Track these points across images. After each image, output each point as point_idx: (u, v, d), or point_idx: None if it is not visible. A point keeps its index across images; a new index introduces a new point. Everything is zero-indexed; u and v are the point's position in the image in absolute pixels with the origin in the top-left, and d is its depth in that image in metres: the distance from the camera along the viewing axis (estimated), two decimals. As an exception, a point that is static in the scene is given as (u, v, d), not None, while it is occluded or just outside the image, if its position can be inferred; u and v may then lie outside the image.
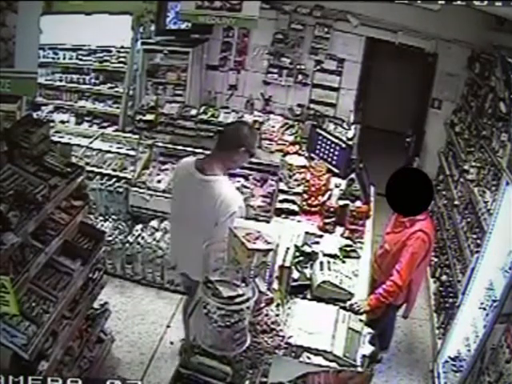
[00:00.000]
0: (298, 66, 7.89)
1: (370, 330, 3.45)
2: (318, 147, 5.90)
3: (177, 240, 3.97)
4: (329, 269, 3.85)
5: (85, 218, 4.02)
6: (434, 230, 4.24)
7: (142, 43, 7.38)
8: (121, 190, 5.56)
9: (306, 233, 4.47)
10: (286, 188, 5.35)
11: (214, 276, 2.91)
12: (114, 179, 5.62)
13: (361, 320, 3.48)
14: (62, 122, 7.10)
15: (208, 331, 2.78)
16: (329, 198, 5.06)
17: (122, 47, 7.27)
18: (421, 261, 4.01)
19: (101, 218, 5.57)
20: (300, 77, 7.92)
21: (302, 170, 5.56)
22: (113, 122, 7.34)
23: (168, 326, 5.03)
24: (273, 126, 6.45)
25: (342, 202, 4.90)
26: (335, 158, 5.73)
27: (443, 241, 6.04)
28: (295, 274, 3.83)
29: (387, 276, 3.99)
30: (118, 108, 7.33)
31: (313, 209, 5.05)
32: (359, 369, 3.08)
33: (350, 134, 6.02)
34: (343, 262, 4.09)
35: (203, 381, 2.85)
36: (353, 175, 5.30)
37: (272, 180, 5.55)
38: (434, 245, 6.23)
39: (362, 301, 3.72)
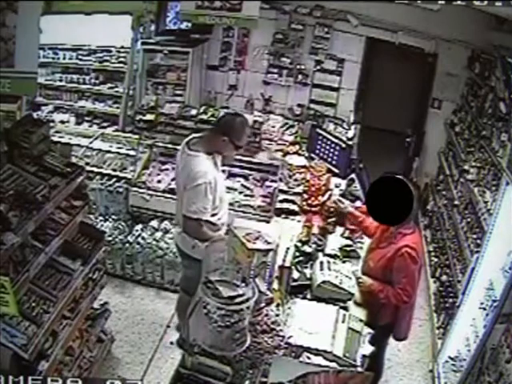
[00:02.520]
0: (298, 66, 7.89)
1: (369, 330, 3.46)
2: (318, 147, 5.90)
3: (176, 207, 4.26)
4: (329, 269, 3.85)
5: (85, 218, 4.02)
6: (421, 243, 4.04)
7: (142, 43, 7.38)
8: (121, 190, 5.55)
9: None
10: (286, 188, 5.36)
11: (214, 276, 2.91)
12: (114, 179, 5.61)
13: (361, 320, 3.48)
14: (62, 121, 7.10)
15: (208, 331, 2.78)
16: (329, 198, 5.06)
17: (122, 47, 7.26)
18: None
19: (101, 218, 5.57)
20: (300, 77, 7.92)
21: (302, 169, 5.56)
22: (113, 122, 7.34)
23: (168, 326, 5.02)
24: (273, 126, 6.46)
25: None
26: (335, 158, 5.74)
27: (443, 241, 6.04)
28: (295, 274, 3.83)
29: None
30: (117, 108, 7.33)
31: (313, 209, 5.05)
32: (359, 369, 3.09)
33: (350, 133, 6.03)
34: (343, 261, 4.09)
35: (203, 381, 2.86)
36: (353, 175, 5.30)
37: (272, 180, 5.55)
38: (434, 245, 6.27)
39: (366, 280, 3.74)
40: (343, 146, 5.68)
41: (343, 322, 3.36)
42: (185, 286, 4.37)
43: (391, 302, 3.67)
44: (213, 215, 3.96)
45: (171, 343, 4.78)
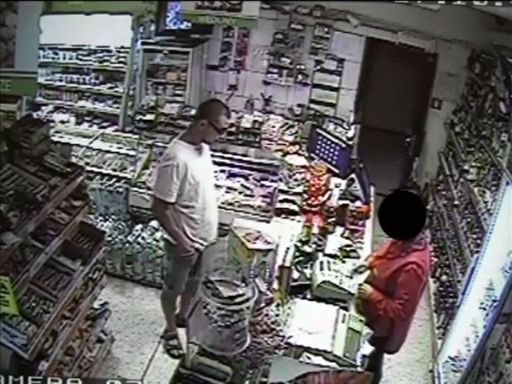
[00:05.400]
0: (298, 66, 7.89)
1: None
2: (318, 147, 5.90)
3: None
4: (329, 269, 3.85)
5: (85, 217, 4.02)
6: (430, 261, 3.94)
7: (142, 43, 7.38)
8: (121, 189, 5.55)
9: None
10: (286, 188, 5.36)
11: (213, 276, 2.91)
12: (114, 179, 5.61)
13: (361, 320, 3.48)
14: (62, 121, 7.08)
15: (208, 331, 2.78)
16: (329, 198, 5.06)
17: (122, 47, 7.26)
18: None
19: (101, 218, 5.57)
20: (300, 77, 7.92)
21: (302, 170, 5.56)
22: (113, 122, 7.33)
23: (168, 326, 5.03)
24: (273, 126, 6.46)
25: (341, 202, 4.91)
26: (335, 157, 5.73)
27: (443, 241, 6.04)
28: (295, 274, 3.83)
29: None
30: (117, 108, 7.32)
31: (313, 209, 5.05)
32: (359, 369, 3.08)
33: (350, 133, 6.03)
34: (343, 261, 4.09)
35: (203, 381, 2.86)
36: (353, 175, 5.30)
37: (272, 180, 5.55)
38: (434, 245, 6.27)
39: (367, 288, 3.70)
40: (343, 145, 5.68)
41: (343, 321, 3.36)
42: (165, 279, 4.62)
43: (388, 315, 3.59)
44: (187, 207, 4.03)
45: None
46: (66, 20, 6.48)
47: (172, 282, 4.41)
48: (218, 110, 4.04)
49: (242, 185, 5.57)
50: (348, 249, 4.28)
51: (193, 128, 4.14)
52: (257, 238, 3.19)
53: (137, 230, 5.49)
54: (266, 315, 3.31)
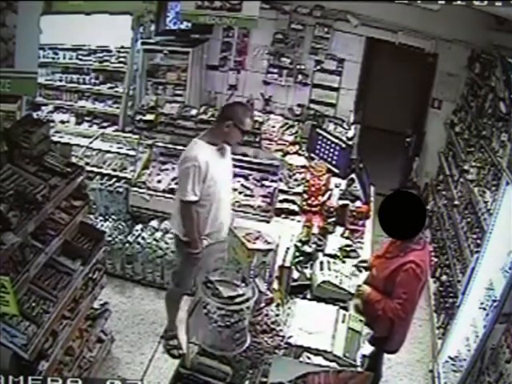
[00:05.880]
0: (298, 66, 7.89)
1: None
2: (318, 147, 5.91)
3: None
4: (329, 269, 3.84)
5: (85, 217, 4.02)
6: (429, 260, 3.98)
7: (142, 43, 7.38)
8: (121, 189, 5.55)
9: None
10: (286, 188, 5.36)
11: (213, 276, 2.91)
12: (114, 179, 5.61)
13: (361, 320, 3.48)
14: (62, 121, 7.09)
15: (208, 331, 2.78)
16: (329, 198, 5.06)
17: (122, 47, 7.26)
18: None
19: (101, 218, 5.57)
20: (300, 77, 7.92)
21: (302, 170, 5.56)
22: (113, 122, 7.33)
23: (168, 326, 5.03)
24: (273, 126, 6.46)
25: (341, 202, 4.91)
26: (335, 157, 5.74)
27: (443, 241, 6.04)
28: (295, 274, 3.83)
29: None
30: (117, 108, 7.32)
31: (313, 209, 5.05)
32: (359, 369, 3.08)
33: (350, 133, 6.03)
34: (343, 261, 4.09)
35: (203, 381, 2.86)
36: (353, 175, 5.30)
37: (272, 180, 5.55)
38: (434, 245, 6.27)
39: (365, 289, 3.70)
40: (343, 145, 5.68)
41: (343, 321, 3.36)
42: (172, 276, 4.62)
43: (387, 314, 3.58)
44: (202, 206, 4.06)
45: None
46: (66, 20, 6.48)
47: (179, 279, 4.42)
48: (244, 112, 4.08)
49: (242, 185, 5.57)
50: (348, 249, 4.28)
51: (216, 129, 4.14)
52: (257, 238, 3.19)
53: (137, 230, 5.49)
54: (266, 315, 3.31)
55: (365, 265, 3.96)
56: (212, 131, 4.18)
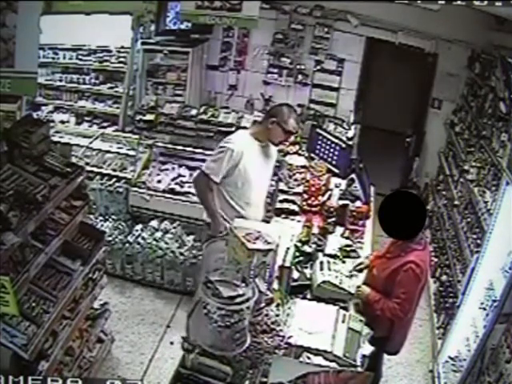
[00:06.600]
0: (298, 66, 7.89)
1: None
2: (318, 147, 5.90)
3: None
4: (329, 269, 3.84)
5: (85, 217, 4.02)
6: (429, 260, 3.98)
7: (142, 43, 7.38)
8: (121, 189, 5.55)
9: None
10: (286, 188, 5.35)
11: (213, 276, 2.91)
12: (114, 179, 5.61)
13: (361, 320, 3.47)
14: (62, 121, 7.09)
15: (208, 331, 2.78)
16: (329, 198, 5.06)
17: (122, 47, 7.26)
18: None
19: (101, 218, 5.57)
20: (300, 77, 7.92)
21: (302, 170, 5.56)
22: (113, 122, 7.34)
23: (168, 326, 5.03)
24: (273, 126, 6.43)
25: (341, 202, 4.90)
26: (335, 157, 5.73)
27: (443, 241, 6.04)
28: (295, 274, 3.83)
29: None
30: (117, 108, 7.33)
31: (313, 209, 5.05)
32: (359, 369, 3.08)
33: (350, 133, 6.02)
34: (343, 261, 4.08)
35: (203, 381, 2.85)
36: (353, 175, 5.30)
37: (272, 180, 5.54)
38: (434, 245, 6.27)
39: (364, 289, 3.68)
40: (343, 145, 5.68)
41: (343, 321, 3.36)
42: None
43: (386, 314, 3.58)
44: (230, 192, 4.09)
45: (171, 343, 4.79)
46: (66, 20, 6.49)
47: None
48: (289, 113, 4.14)
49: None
50: (348, 249, 4.27)
51: (261, 125, 4.27)
52: (257, 238, 3.18)
53: (137, 230, 5.49)
54: (266, 315, 3.30)
55: (362, 267, 3.95)
56: (258, 126, 4.35)
